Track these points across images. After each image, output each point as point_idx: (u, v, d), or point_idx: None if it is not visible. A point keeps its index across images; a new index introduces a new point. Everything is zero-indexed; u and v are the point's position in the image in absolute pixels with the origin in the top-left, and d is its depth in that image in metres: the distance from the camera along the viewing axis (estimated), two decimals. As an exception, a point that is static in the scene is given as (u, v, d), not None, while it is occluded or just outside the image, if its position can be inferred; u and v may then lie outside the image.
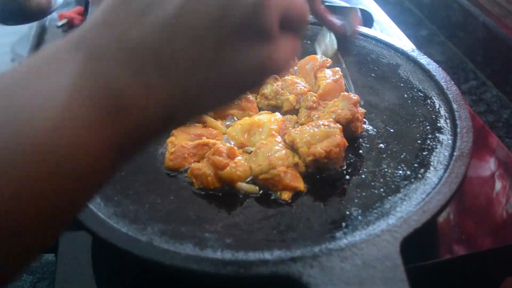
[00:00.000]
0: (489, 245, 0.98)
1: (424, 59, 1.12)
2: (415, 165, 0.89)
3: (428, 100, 1.03)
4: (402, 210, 0.79)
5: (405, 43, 1.20)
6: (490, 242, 0.99)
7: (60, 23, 2.27)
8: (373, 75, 1.13)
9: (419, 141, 0.94)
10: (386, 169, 0.89)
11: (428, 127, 0.96)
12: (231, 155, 0.89)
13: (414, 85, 1.07)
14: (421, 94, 1.05)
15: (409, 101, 1.04)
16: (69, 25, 2.27)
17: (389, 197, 0.83)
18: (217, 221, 0.81)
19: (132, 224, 0.80)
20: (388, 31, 1.67)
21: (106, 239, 0.76)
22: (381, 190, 0.85)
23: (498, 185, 1.09)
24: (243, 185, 0.84)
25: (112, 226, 0.79)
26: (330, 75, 1.05)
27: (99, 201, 0.85)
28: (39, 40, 2.14)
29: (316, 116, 0.98)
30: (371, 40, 1.22)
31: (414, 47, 1.18)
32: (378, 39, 1.21)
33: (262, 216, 0.82)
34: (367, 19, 1.57)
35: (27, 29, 2.15)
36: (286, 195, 0.82)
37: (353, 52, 1.21)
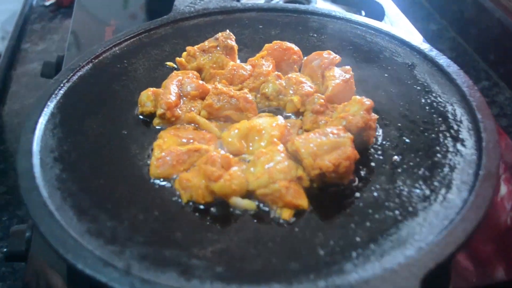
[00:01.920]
0: (492, 251, 0.90)
1: (443, 60, 1.00)
2: (435, 183, 0.78)
3: (449, 107, 0.91)
4: (422, 238, 0.69)
5: (421, 41, 1.08)
6: (493, 248, 0.91)
7: (48, 3, 2.15)
8: (386, 75, 1.01)
9: (438, 155, 0.83)
10: (401, 187, 0.78)
11: (449, 139, 0.85)
12: (225, 165, 0.78)
13: (433, 89, 0.96)
14: (441, 100, 0.93)
15: (427, 107, 0.92)
16: (57, 5, 2.15)
17: (406, 222, 0.72)
18: (206, 244, 0.71)
19: (108, 245, 0.69)
20: (397, 23, 1.56)
21: (75, 265, 0.65)
22: (397, 212, 0.74)
23: (503, 189, 1.02)
24: (239, 201, 0.74)
25: (84, 247, 0.68)
26: (339, 75, 0.93)
27: (71, 215, 0.74)
28: (25, 20, 2.02)
29: (323, 121, 0.87)
30: (384, 36, 1.11)
31: (430, 46, 1.07)
32: (392, 35, 1.10)
33: (259, 239, 0.71)
34: (378, 12, 1.45)
35: (16, 9, 2.05)
36: (287, 214, 0.73)
37: (364, 49, 1.09)
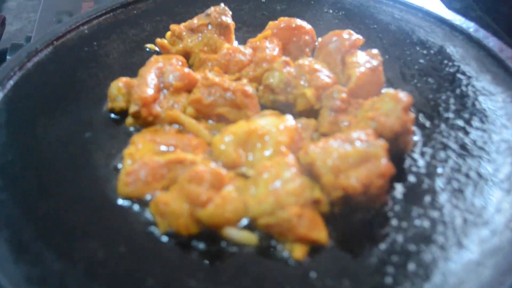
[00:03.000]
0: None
1: (494, 43, 0.81)
2: (498, 209, 0.58)
3: (507, 104, 0.71)
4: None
5: (463, 19, 0.87)
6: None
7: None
8: (421, 61, 0.81)
9: (499, 169, 0.63)
10: (453, 212, 0.59)
11: (509, 147, 0.65)
12: (216, 184, 0.59)
13: (482, 80, 0.76)
14: (494, 93, 0.73)
15: (477, 103, 0.73)
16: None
17: (463, 264, 0.53)
18: (190, 298, 0.51)
19: (52, 299, 0.50)
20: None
21: None
22: (450, 250, 0.56)
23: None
24: (234, 233, 0.59)
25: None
26: (365, 61, 0.74)
27: (7, 254, 0.55)
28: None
29: (346, 123, 0.67)
30: (417, 12, 0.90)
31: (476, 25, 0.86)
32: (427, 11, 0.90)
33: (261, 289, 0.52)
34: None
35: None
36: (300, 252, 0.58)
37: (392, 28, 0.88)
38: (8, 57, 1.22)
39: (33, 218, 0.59)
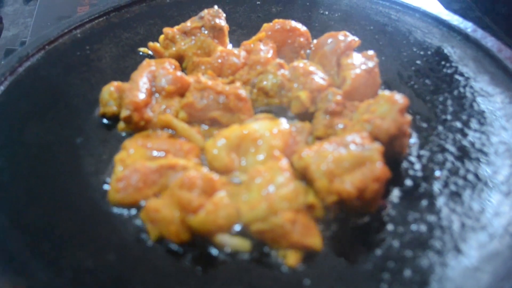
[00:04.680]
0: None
1: (492, 43, 0.79)
2: (498, 213, 0.57)
3: (505, 105, 0.69)
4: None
5: (461, 19, 0.86)
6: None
7: (22, -17, 1.93)
8: (418, 62, 0.80)
9: (498, 171, 0.61)
10: (450, 217, 0.57)
11: (508, 149, 0.64)
12: (208, 189, 0.58)
13: (480, 80, 0.74)
14: (492, 94, 0.72)
15: (474, 104, 0.71)
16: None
17: (462, 270, 0.51)
18: (180, 308, 0.50)
19: (38, 310, 0.49)
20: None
21: None
22: (448, 256, 0.54)
23: None
24: (226, 239, 0.58)
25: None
26: (360, 63, 0.72)
27: None
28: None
29: (341, 125, 0.65)
30: (414, 13, 0.89)
31: (474, 25, 0.84)
32: (424, 12, 0.88)
33: (254, 298, 0.50)
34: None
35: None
36: (293, 259, 0.57)
37: (389, 29, 0.87)
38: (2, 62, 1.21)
39: (20, 227, 0.58)
